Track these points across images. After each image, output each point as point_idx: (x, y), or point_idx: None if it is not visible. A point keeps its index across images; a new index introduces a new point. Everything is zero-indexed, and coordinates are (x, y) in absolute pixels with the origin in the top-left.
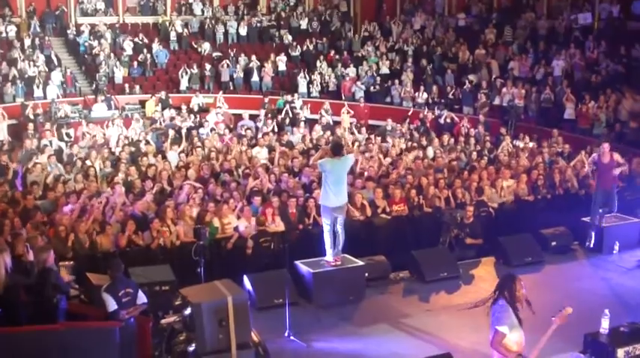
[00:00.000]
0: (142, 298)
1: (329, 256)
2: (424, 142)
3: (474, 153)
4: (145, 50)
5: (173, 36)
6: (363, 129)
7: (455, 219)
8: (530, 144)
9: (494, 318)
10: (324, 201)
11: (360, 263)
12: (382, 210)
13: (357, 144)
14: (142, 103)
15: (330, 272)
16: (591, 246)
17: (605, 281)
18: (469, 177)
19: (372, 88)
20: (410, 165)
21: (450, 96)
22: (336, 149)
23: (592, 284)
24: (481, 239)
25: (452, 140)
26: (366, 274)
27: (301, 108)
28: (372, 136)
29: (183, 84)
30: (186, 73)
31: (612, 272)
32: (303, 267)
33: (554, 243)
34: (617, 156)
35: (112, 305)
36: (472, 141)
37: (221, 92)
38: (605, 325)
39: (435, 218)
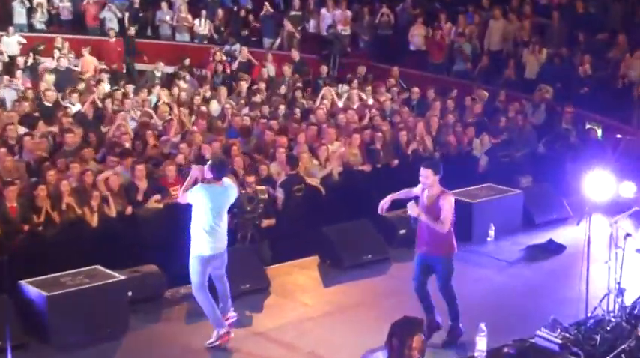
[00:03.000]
0: None
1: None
2: (207, 94)
3: (282, 107)
4: None
5: None
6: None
7: (252, 200)
8: (363, 92)
9: None
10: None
11: (119, 276)
12: (142, 195)
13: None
14: None
15: (74, 294)
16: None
17: (478, 283)
18: (276, 141)
19: (127, 15)
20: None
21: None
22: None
23: (460, 287)
24: (274, 218)
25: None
26: (129, 293)
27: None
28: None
29: None
30: None
31: (488, 268)
32: (31, 288)
33: (402, 232)
34: (447, 201)
35: None
36: (283, 88)
37: None
38: (481, 346)
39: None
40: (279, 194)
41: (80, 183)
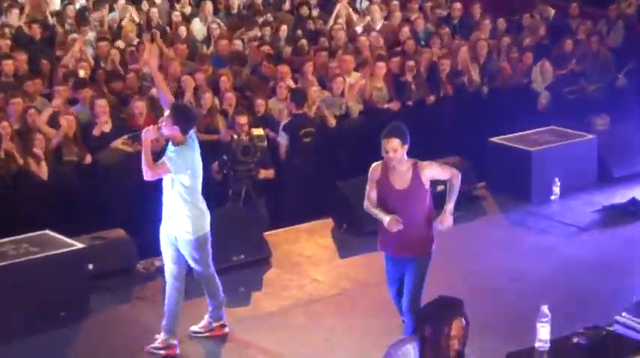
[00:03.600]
0: None
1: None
2: (187, 10)
3: (285, 28)
4: None
5: None
6: None
7: (247, 150)
8: (389, 8)
9: None
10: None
11: (77, 244)
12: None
13: None
14: None
15: (17, 267)
16: None
17: (539, 254)
18: (277, 71)
19: None
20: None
21: None
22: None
23: (516, 259)
24: (273, 169)
25: None
26: (90, 266)
27: None
28: None
29: None
30: None
31: (551, 235)
32: None
33: (440, 188)
34: (433, 167)
35: None
36: (286, 4)
37: None
38: (543, 335)
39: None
40: (282, 139)
41: (23, 125)
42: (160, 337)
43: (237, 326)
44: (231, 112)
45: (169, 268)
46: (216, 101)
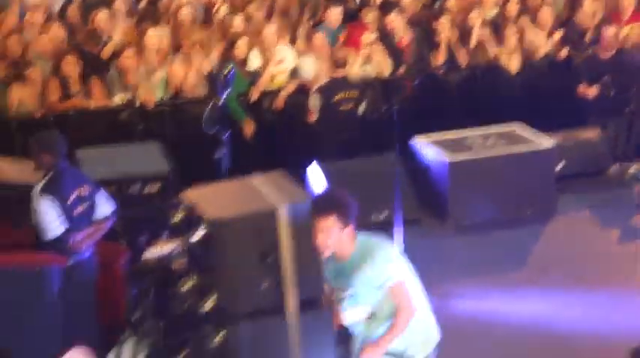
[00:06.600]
0: (105, 207)
1: None
2: None
3: None
4: None
5: None
6: None
7: None
8: None
9: None
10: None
11: (548, 141)
12: None
13: None
14: None
15: (484, 162)
16: None
17: None
18: None
19: None
20: None
21: None
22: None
23: None
24: None
25: None
26: (560, 165)
27: None
28: None
29: None
30: None
31: None
32: (429, 149)
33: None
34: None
35: (54, 223)
36: None
37: None
38: None
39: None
40: None
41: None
42: None
43: None
44: None
45: None
46: None
